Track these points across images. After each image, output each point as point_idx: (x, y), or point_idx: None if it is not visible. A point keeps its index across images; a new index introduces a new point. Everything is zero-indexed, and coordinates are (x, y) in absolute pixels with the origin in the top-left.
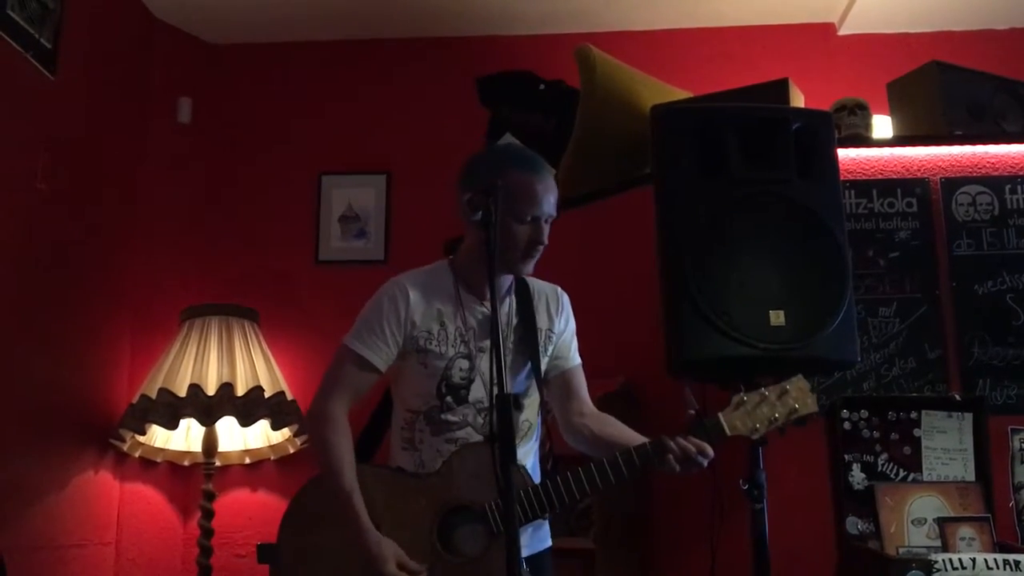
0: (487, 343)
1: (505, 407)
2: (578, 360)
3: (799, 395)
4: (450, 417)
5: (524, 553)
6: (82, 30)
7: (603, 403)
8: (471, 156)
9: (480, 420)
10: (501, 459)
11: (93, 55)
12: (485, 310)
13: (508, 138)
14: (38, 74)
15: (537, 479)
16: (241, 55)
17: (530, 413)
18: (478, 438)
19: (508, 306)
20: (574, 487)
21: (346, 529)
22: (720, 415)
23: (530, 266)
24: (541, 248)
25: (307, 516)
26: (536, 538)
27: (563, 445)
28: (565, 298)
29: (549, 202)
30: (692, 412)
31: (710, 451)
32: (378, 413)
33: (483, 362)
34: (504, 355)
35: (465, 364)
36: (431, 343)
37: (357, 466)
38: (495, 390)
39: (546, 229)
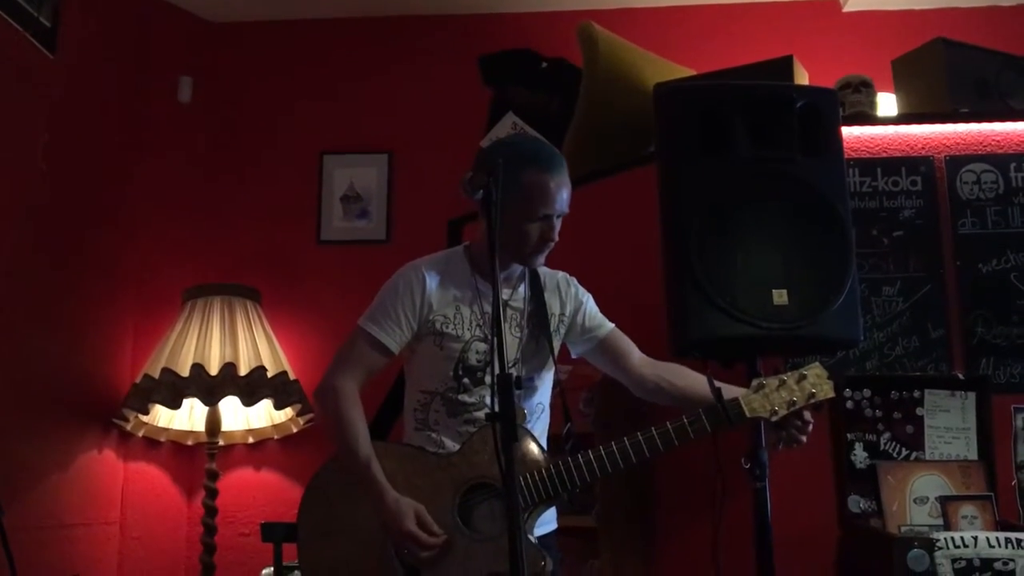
0: (503, 327)
1: (507, 385)
2: (611, 324)
3: (817, 380)
4: (467, 398)
5: (537, 532)
6: (81, 9)
7: (608, 384)
8: (487, 146)
9: None
10: (503, 437)
11: (93, 34)
12: (502, 296)
13: (511, 118)
14: (37, 53)
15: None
16: (242, 33)
17: (543, 396)
18: None
19: (523, 292)
20: (607, 463)
21: (366, 497)
22: (740, 397)
23: (540, 260)
24: (552, 244)
25: (328, 493)
26: (546, 519)
27: (580, 425)
28: (573, 280)
29: (562, 200)
30: (713, 392)
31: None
32: (392, 394)
33: None
34: (521, 338)
35: (482, 347)
36: (448, 327)
37: (377, 443)
38: (497, 369)
39: (557, 225)
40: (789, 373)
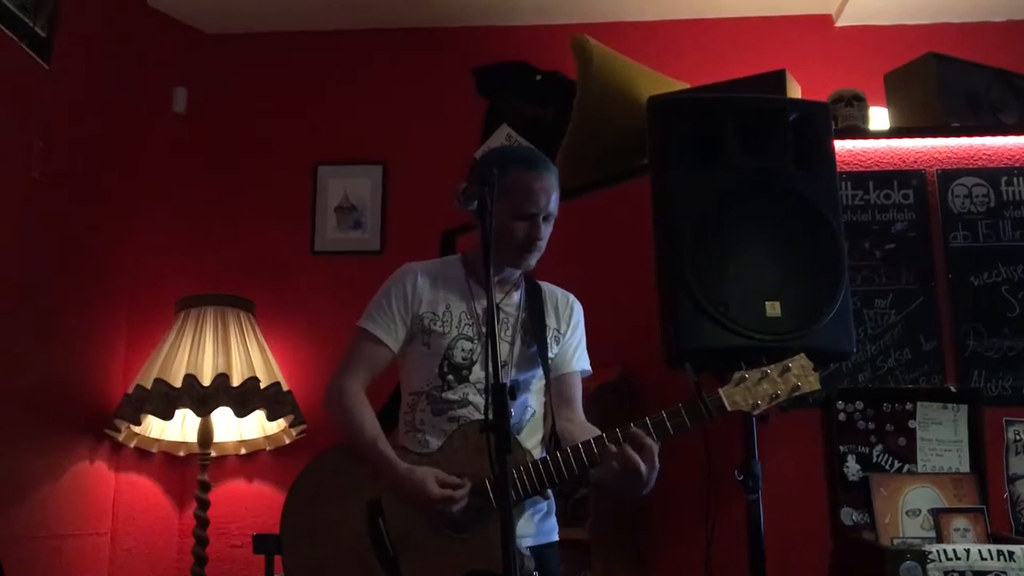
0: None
1: (501, 395)
2: (578, 367)
3: (801, 372)
4: (451, 396)
5: (531, 542)
6: (77, 18)
7: (600, 394)
8: (479, 157)
9: (480, 398)
10: (497, 450)
11: (88, 44)
12: (495, 299)
13: (506, 129)
14: (32, 63)
15: None
16: (237, 45)
17: (534, 401)
18: (480, 416)
19: (518, 298)
20: (563, 466)
21: (345, 496)
22: (721, 391)
23: (531, 260)
24: (538, 244)
25: (309, 493)
26: (543, 529)
27: None
28: (577, 306)
29: (546, 200)
30: (694, 386)
31: (644, 463)
32: (387, 408)
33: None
34: (511, 343)
35: (468, 345)
36: (436, 324)
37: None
38: (492, 379)
39: (544, 227)
40: (772, 365)
